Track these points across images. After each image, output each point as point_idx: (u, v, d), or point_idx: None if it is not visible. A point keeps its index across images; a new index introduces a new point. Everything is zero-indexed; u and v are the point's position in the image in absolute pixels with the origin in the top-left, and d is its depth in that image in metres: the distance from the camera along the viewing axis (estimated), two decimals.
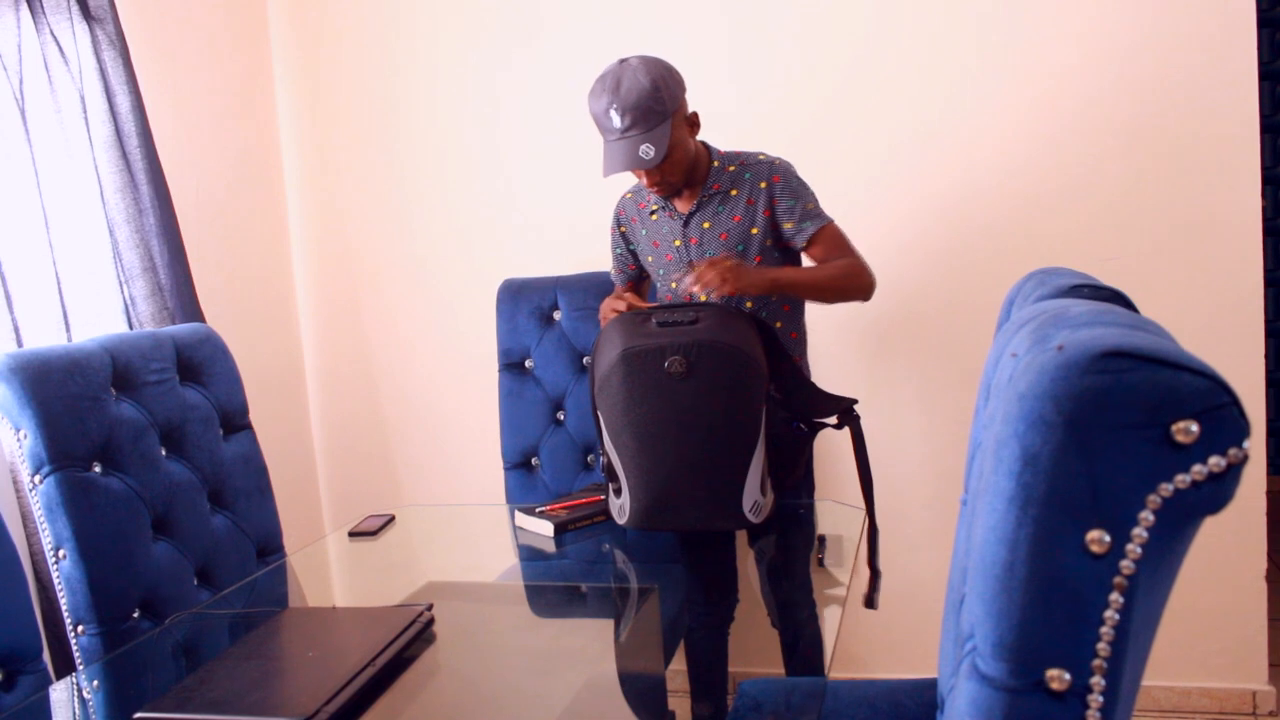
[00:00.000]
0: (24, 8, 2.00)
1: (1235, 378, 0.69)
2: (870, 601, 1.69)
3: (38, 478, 1.61)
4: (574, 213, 2.67)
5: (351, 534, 2.03)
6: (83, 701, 1.43)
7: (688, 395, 1.62)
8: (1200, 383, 0.66)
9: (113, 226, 2.16)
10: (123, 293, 2.18)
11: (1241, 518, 2.34)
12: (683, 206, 1.99)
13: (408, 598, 1.64)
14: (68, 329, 2.04)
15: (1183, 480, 0.67)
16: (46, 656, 1.53)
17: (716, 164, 1.97)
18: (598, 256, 2.33)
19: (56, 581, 1.63)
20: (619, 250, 2.16)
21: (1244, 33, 2.23)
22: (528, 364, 2.44)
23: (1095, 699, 0.71)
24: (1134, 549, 0.68)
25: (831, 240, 1.93)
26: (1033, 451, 0.69)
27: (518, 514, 1.99)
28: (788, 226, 1.94)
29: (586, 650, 1.48)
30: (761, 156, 1.97)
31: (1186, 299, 2.32)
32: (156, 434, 1.82)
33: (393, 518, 2.11)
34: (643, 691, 1.38)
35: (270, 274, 2.87)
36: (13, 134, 1.99)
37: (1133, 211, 2.34)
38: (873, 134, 2.48)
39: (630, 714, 1.29)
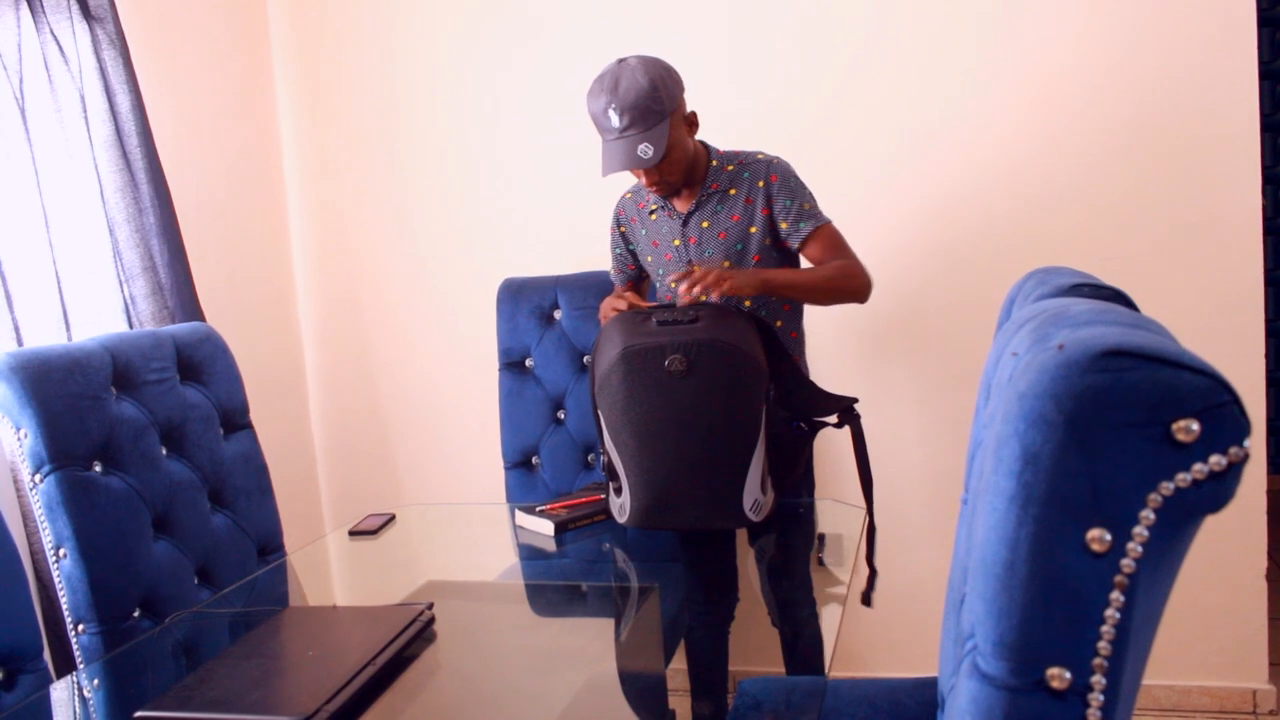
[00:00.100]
0: (24, 7, 2.00)
1: (1235, 377, 0.69)
2: (866, 599, 1.69)
3: (38, 477, 1.61)
4: (574, 212, 2.67)
5: (352, 533, 2.03)
6: (83, 700, 1.43)
7: (688, 394, 1.62)
8: (1201, 381, 0.66)
9: (113, 226, 2.16)
10: (123, 292, 2.18)
11: (1242, 517, 2.34)
12: (682, 206, 1.99)
13: (408, 597, 1.64)
14: (68, 328, 2.04)
15: (1183, 479, 0.67)
16: (47, 655, 1.53)
17: (715, 163, 1.97)
18: (598, 256, 2.33)
19: (57, 580, 1.63)
20: (618, 250, 2.16)
21: (1244, 32, 2.23)
22: (528, 363, 2.44)
23: (1096, 698, 0.71)
24: (1135, 548, 0.68)
25: (828, 241, 1.93)
26: (1033, 450, 0.69)
27: (518, 513, 1.99)
28: (784, 226, 1.94)
29: (587, 649, 1.48)
30: (760, 156, 1.97)
31: (1187, 298, 2.32)
32: (157, 433, 1.82)
33: (393, 517, 2.11)
34: (643, 690, 1.38)
35: (270, 273, 2.87)
36: (13, 133, 1.99)
37: (1133, 211, 2.34)
38: (873, 134, 2.48)
39: (630, 713, 1.29)
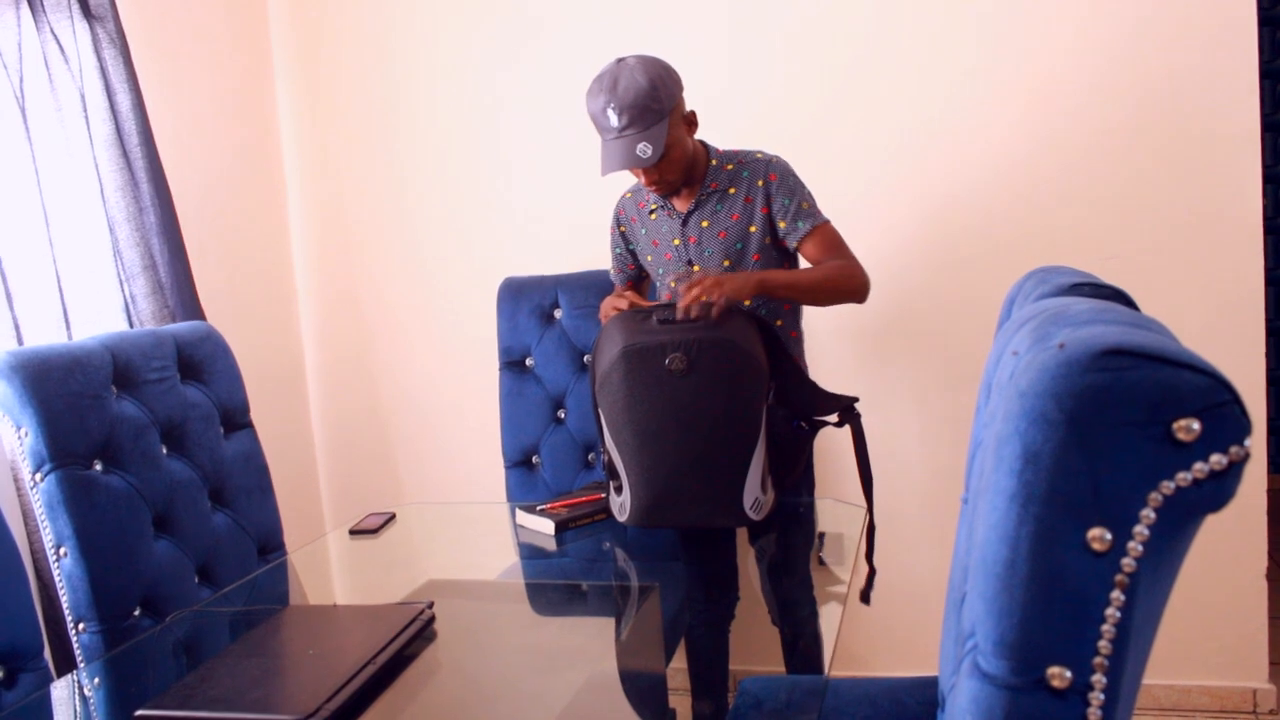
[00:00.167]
0: (24, 6, 2.00)
1: (1236, 376, 0.69)
2: (865, 597, 1.70)
3: (39, 475, 1.61)
4: (574, 211, 2.67)
5: (352, 532, 2.03)
6: (84, 699, 1.44)
7: (688, 392, 1.62)
8: (1201, 380, 0.66)
9: (113, 225, 2.16)
10: (123, 291, 2.18)
11: (1242, 516, 2.34)
12: (681, 205, 1.99)
13: (408, 596, 1.64)
14: (68, 327, 2.04)
15: (1184, 478, 0.67)
16: (47, 654, 1.53)
17: (715, 162, 1.97)
18: (598, 255, 2.33)
19: (57, 579, 1.63)
20: (618, 250, 2.16)
21: (1245, 31, 2.23)
22: (528, 362, 2.44)
23: (1096, 697, 0.71)
24: (1135, 547, 0.68)
25: (825, 240, 1.92)
26: (1034, 449, 0.69)
27: (518, 512, 1.99)
28: (782, 225, 1.93)
29: (587, 648, 1.48)
30: (759, 155, 1.97)
31: (1187, 297, 2.32)
32: (157, 432, 1.82)
33: (393, 516, 2.11)
34: (643, 689, 1.38)
35: (271, 272, 2.87)
36: (13, 132, 1.99)
37: (1133, 210, 2.34)
38: (873, 133, 2.47)
39: (631, 712, 1.29)
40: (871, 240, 2.38)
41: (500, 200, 2.76)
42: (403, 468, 2.95)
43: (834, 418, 1.76)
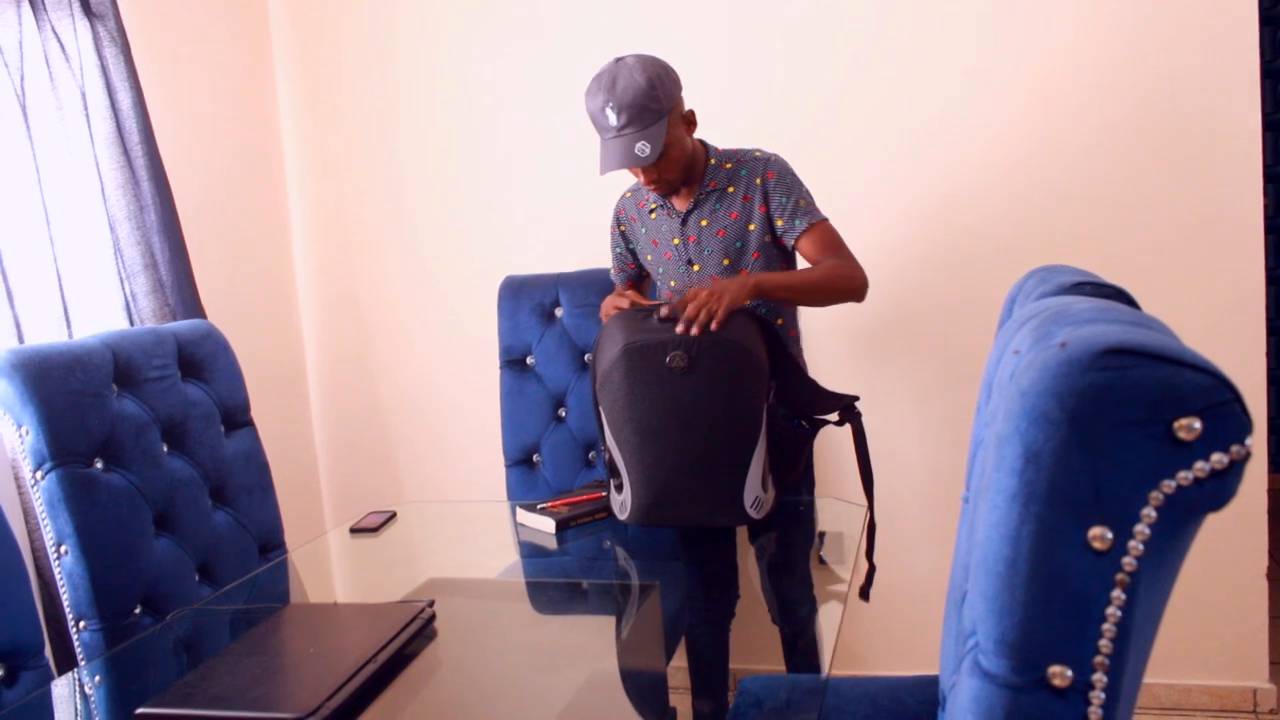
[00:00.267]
0: (25, 4, 2.00)
1: (1237, 375, 0.69)
2: (864, 594, 1.70)
3: (39, 474, 1.61)
4: (575, 210, 2.67)
5: (353, 530, 2.03)
6: (84, 697, 1.44)
7: (689, 391, 1.62)
8: (1202, 379, 0.66)
9: (114, 223, 2.16)
10: (124, 289, 2.18)
11: (1242, 515, 2.34)
12: (680, 204, 1.99)
13: (409, 594, 1.64)
14: (69, 325, 2.04)
15: (1185, 477, 0.67)
16: (48, 652, 1.54)
17: (714, 161, 1.97)
18: (599, 254, 2.33)
19: (58, 577, 1.63)
20: (619, 249, 2.16)
21: (1246, 31, 2.23)
22: (529, 361, 2.44)
23: (1097, 696, 0.71)
24: (1136, 546, 0.69)
25: (823, 238, 1.92)
26: (1035, 448, 0.69)
27: (519, 511, 1.99)
28: (779, 223, 1.93)
29: (588, 647, 1.48)
30: (757, 153, 1.97)
31: (1188, 297, 2.32)
32: (158, 430, 1.82)
33: (394, 514, 2.11)
34: (644, 688, 1.38)
35: (271, 271, 2.87)
36: (14, 130, 1.99)
37: (1134, 209, 2.34)
38: (873, 133, 2.47)
39: (631, 711, 1.30)
40: (871, 240, 2.38)
41: (500, 200, 2.75)
42: (403, 466, 2.95)
43: (834, 416, 1.76)
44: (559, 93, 2.62)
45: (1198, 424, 0.65)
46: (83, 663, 1.61)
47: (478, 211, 2.78)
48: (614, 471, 1.73)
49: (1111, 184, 2.35)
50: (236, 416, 2.03)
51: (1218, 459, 0.66)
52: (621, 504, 1.73)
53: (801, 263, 2.02)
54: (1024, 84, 2.37)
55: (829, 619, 1.51)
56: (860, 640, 2.63)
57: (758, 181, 1.94)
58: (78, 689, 1.45)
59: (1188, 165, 2.30)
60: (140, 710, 1.15)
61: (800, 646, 1.70)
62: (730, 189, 1.95)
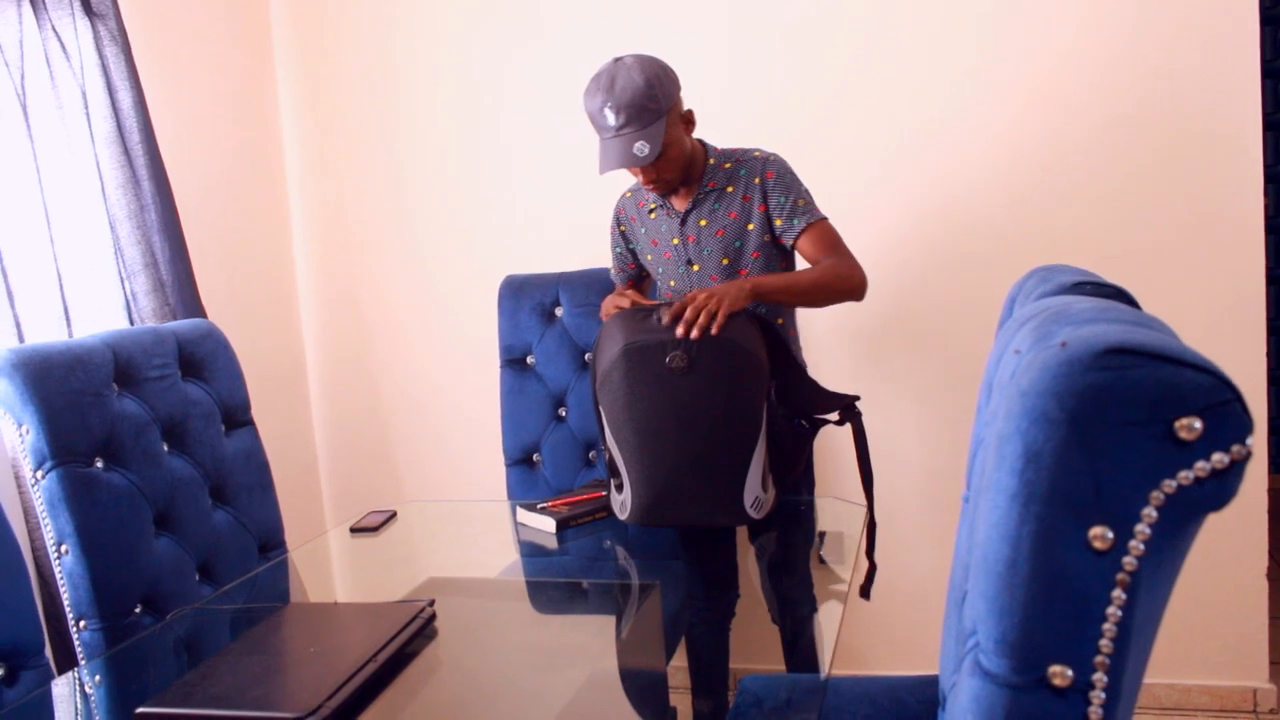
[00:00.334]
0: (25, 3, 2.00)
1: (1237, 375, 0.69)
2: (865, 592, 1.70)
3: (40, 473, 1.61)
4: (575, 209, 2.67)
5: (353, 530, 2.03)
6: (85, 697, 1.44)
7: (689, 391, 1.62)
8: (1203, 379, 0.66)
9: (114, 222, 2.16)
10: (124, 288, 2.18)
11: (1243, 515, 2.34)
12: (679, 204, 1.99)
13: (409, 593, 1.64)
14: (69, 325, 2.04)
15: (1185, 477, 0.67)
16: (48, 652, 1.54)
17: (712, 161, 1.97)
18: (599, 253, 2.33)
19: (58, 577, 1.63)
20: (619, 249, 2.16)
21: (1247, 30, 2.23)
22: (529, 360, 2.44)
23: (1097, 695, 0.71)
24: (1136, 546, 0.68)
25: (822, 237, 1.92)
26: (1035, 448, 0.69)
27: (519, 510, 1.99)
28: (778, 223, 1.93)
29: (588, 646, 1.48)
30: (756, 152, 1.97)
31: (1188, 296, 2.32)
32: (158, 429, 1.82)
33: (394, 514, 2.11)
34: (644, 688, 1.38)
35: (272, 270, 2.87)
36: (14, 129, 1.99)
37: (1135, 209, 2.34)
38: (873, 132, 2.47)
39: (631, 710, 1.30)
40: (871, 240, 2.38)
41: (500, 200, 2.75)
42: (403, 466, 2.95)
43: (834, 416, 1.76)
44: (559, 93, 2.62)
45: (1198, 424, 0.65)
46: (83, 662, 1.61)
47: (478, 211, 2.78)
48: (614, 471, 1.73)
49: (1112, 183, 2.35)
50: (237, 416, 2.03)
51: (1218, 459, 0.66)
52: (621, 504, 1.73)
53: (801, 262, 2.02)
54: (1024, 84, 2.37)
55: (829, 619, 1.51)
56: (860, 640, 2.63)
57: (756, 181, 1.93)
58: (78, 688, 1.45)
59: (1188, 165, 2.30)
60: (140, 710, 1.15)
61: (800, 646, 1.70)
62: (729, 189, 1.95)
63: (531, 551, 1.92)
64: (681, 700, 1.56)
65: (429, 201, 2.82)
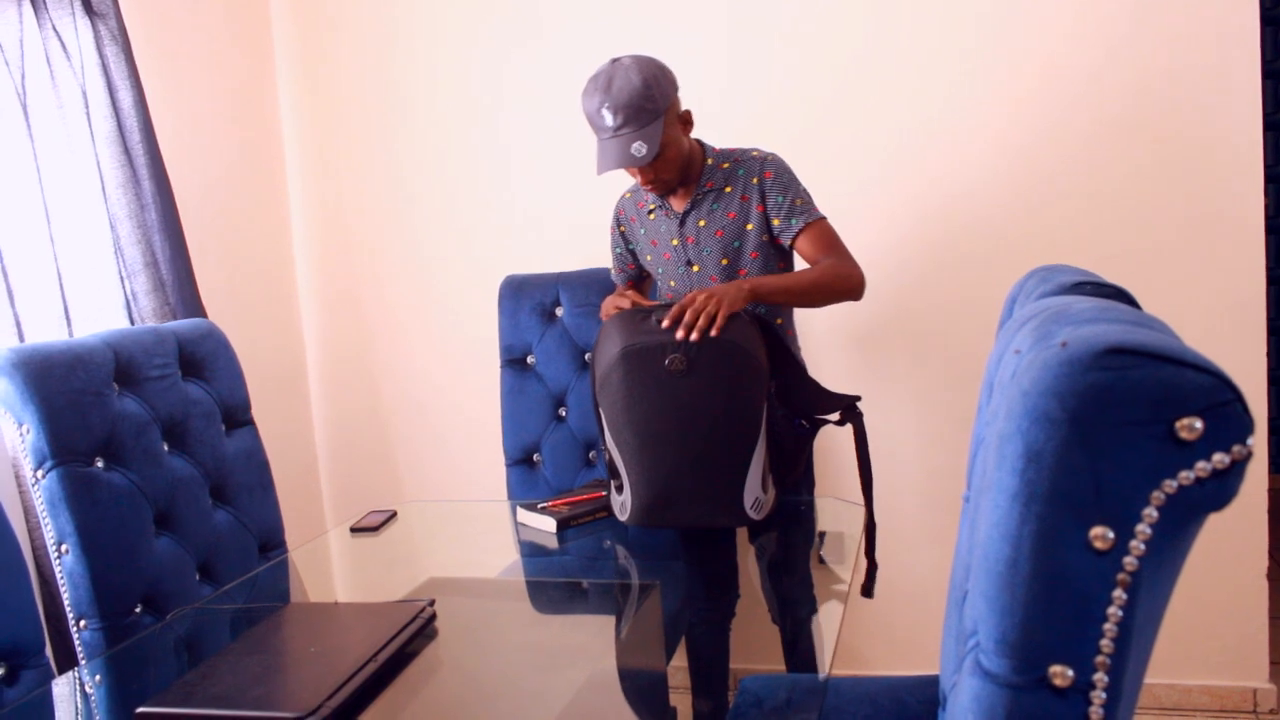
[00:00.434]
0: (26, 3, 2.00)
1: (1237, 375, 0.69)
2: (867, 590, 1.70)
3: (40, 472, 1.61)
4: (575, 209, 2.67)
5: (353, 530, 2.03)
6: (85, 696, 1.44)
7: (688, 392, 1.62)
8: (1204, 379, 0.66)
9: (114, 222, 2.16)
10: (124, 288, 2.18)
11: (1243, 515, 2.34)
12: (678, 205, 1.99)
13: (409, 593, 1.64)
14: (69, 324, 2.04)
15: (1186, 477, 0.67)
16: (49, 651, 1.54)
17: (711, 161, 1.97)
18: (599, 253, 2.33)
19: (59, 576, 1.63)
20: (618, 250, 2.16)
21: (1247, 31, 2.23)
22: (529, 360, 2.44)
23: (1098, 695, 0.71)
24: (1137, 546, 0.68)
25: (820, 237, 1.91)
26: (1036, 448, 0.69)
27: (519, 510, 1.99)
28: (776, 222, 1.93)
29: (588, 646, 1.48)
30: (755, 152, 1.97)
31: (1189, 297, 2.32)
32: (159, 429, 1.82)
33: (394, 513, 2.11)
34: (644, 688, 1.38)
35: (272, 270, 2.87)
36: (14, 129, 1.99)
37: (1135, 209, 2.34)
38: (872, 132, 2.47)
39: (631, 710, 1.30)
40: (871, 239, 2.38)
41: (500, 200, 2.75)
42: (403, 465, 2.95)
43: (835, 416, 1.76)
44: (559, 93, 2.62)
45: (1199, 424, 0.65)
46: (83, 662, 1.61)
47: (478, 211, 2.78)
48: (614, 473, 1.73)
49: (1112, 183, 2.35)
50: (237, 415, 2.03)
51: (1219, 459, 0.66)
52: (622, 505, 1.73)
53: (799, 262, 2.02)
54: (1024, 83, 2.37)
55: (829, 619, 1.51)
56: (860, 640, 2.63)
57: (755, 181, 1.93)
58: (78, 688, 1.45)
59: (1188, 165, 2.30)
60: (141, 709, 1.15)
61: (800, 646, 1.70)
62: (728, 189, 1.95)
63: (532, 551, 1.92)
64: (681, 700, 1.56)
65: (429, 201, 2.82)
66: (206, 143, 2.61)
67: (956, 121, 2.42)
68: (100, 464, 1.69)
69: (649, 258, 2.08)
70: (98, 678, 1.49)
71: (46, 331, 2.00)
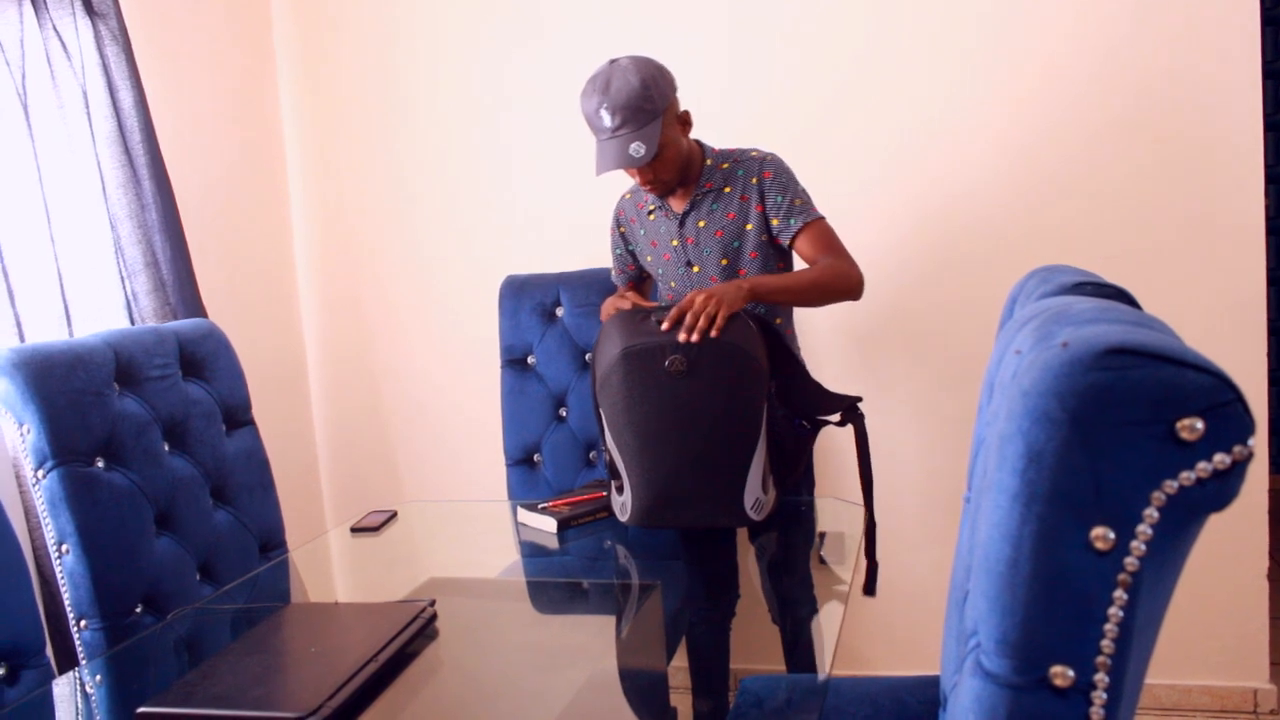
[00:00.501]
0: (26, 2, 2.00)
1: (1237, 375, 0.69)
2: (869, 589, 1.70)
3: (41, 472, 1.61)
4: (576, 209, 2.67)
5: (354, 530, 2.03)
6: (85, 696, 1.44)
7: (688, 393, 1.62)
8: (1205, 380, 0.66)
9: (115, 222, 2.16)
10: (125, 288, 2.18)
11: (1243, 516, 2.34)
12: (678, 205, 1.99)
13: (410, 593, 1.64)
14: (69, 324, 2.04)
15: (1187, 477, 0.67)
16: (49, 651, 1.54)
17: (710, 162, 1.97)
18: (600, 253, 2.33)
19: (59, 576, 1.63)
20: (618, 250, 2.16)
21: (1248, 31, 2.23)
22: (530, 360, 2.44)
23: (1099, 696, 0.71)
24: (1138, 546, 0.68)
25: (819, 236, 1.91)
26: (1037, 448, 0.69)
27: (520, 510, 1.99)
28: (775, 222, 1.93)
29: (588, 647, 1.48)
30: (754, 152, 1.97)
31: (1189, 297, 2.32)
32: (159, 429, 1.82)
33: (395, 514, 2.11)
34: (644, 688, 1.38)
35: (273, 270, 2.87)
36: (15, 128, 1.99)
37: (1136, 210, 2.34)
38: (873, 133, 2.47)
39: (631, 711, 1.30)
40: (871, 240, 2.38)
41: (500, 200, 2.76)
42: (404, 465, 2.95)
43: (836, 417, 1.76)
44: (559, 93, 2.62)
45: (1200, 424, 0.65)
46: (84, 662, 1.61)
47: (478, 211, 2.78)
48: (614, 473, 1.73)
49: (1112, 184, 2.35)
50: (237, 416, 2.03)
51: (1220, 459, 0.66)
52: (622, 505, 1.73)
53: (798, 261, 2.02)
54: (1024, 84, 2.37)
55: (829, 619, 1.51)
56: (860, 640, 2.63)
57: (754, 181, 1.94)
58: (79, 688, 1.45)
59: (1189, 166, 2.30)
60: (141, 709, 1.15)
61: (800, 646, 1.70)
62: (727, 189, 1.95)
63: (532, 551, 1.92)
64: (681, 700, 1.56)
65: (429, 201, 2.82)
66: (207, 143, 2.61)
67: (957, 122, 2.42)
68: (101, 464, 1.69)
69: (649, 258, 2.08)
70: (98, 678, 1.49)
71: (47, 331, 2.00)
